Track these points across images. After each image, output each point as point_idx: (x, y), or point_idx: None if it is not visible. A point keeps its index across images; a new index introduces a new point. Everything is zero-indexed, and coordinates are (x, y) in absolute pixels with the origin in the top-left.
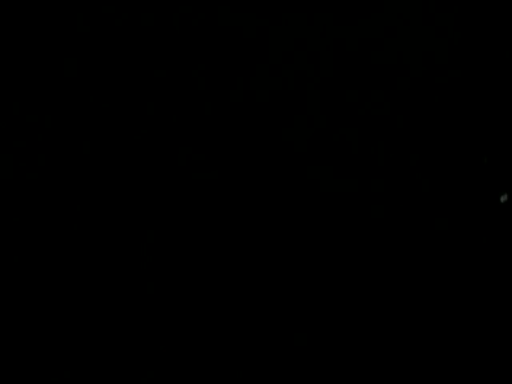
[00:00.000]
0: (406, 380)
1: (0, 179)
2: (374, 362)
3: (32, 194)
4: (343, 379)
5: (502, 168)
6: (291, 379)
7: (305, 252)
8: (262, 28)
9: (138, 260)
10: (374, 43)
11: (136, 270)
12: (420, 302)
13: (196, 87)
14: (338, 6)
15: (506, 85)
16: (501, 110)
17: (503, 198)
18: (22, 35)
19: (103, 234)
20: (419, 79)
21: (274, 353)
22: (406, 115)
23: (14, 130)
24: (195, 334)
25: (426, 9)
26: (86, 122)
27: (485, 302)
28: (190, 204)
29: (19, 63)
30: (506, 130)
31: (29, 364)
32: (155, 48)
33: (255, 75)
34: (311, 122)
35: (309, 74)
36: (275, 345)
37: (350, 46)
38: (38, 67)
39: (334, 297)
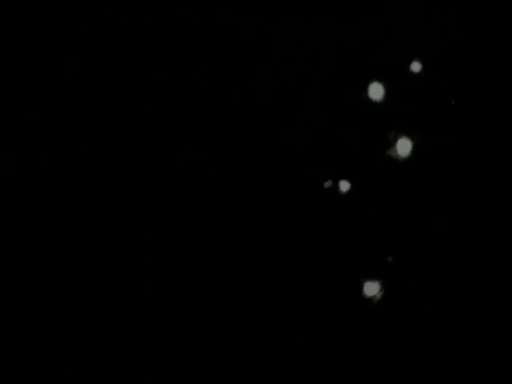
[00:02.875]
0: (405, 380)
1: (0, 179)
2: (374, 362)
3: (32, 194)
4: (343, 379)
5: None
6: (291, 379)
7: (304, 252)
8: (262, 28)
9: (138, 259)
10: (373, 43)
11: (136, 270)
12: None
13: (196, 87)
14: (338, 6)
15: (505, 84)
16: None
17: (327, 184)
18: (22, 35)
19: (103, 233)
20: (419, 79)
21: (274, 353)
22: (406, 115)
23: (13, 130)
24: (195, 333)
25: (426, 9)
26: (86, 122)
27: None
28: (190, 204)
29: (19, 63)
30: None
31: (29, 364)
32: (155, 48)
33: (255, 75)
34: (311, 122)
35: (309, 74)
36: (275, 345)
37: (350, 45)
38: (38, 67)
39: (334, 296)
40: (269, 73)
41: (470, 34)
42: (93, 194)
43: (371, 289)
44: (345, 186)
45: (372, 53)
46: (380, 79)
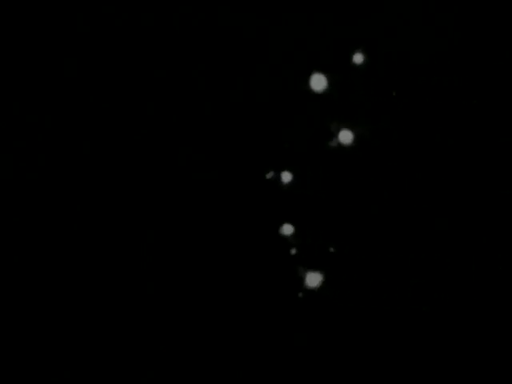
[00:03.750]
0: (406, 380)
1: (0, 179)
2: (374, 362)
3: (32, 194)
4: (343, 379)
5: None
6: (291, 379)
7: (305, 252)
8: (262, 28)
9: (137, 260)
10: (374, 43)
11: (136, 270)
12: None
13: (196, 87)
14: (338, 6)
15: (505, 85)
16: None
17: (269, 175)
18: (22, 35)
19: (103, 234)
20: (419, 79)
21: (274, 353)
22: (406, 115)
23: (14, 130)
24: (195, 333)
25: (426, 9)
26: (86, 122)
27: None
28: (189, 204)
29: (19, 63)
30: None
31: (29, 364)
32: (155, 48)
33: (255, 75)
34: (311, 122)
35: (309, 73)
36: (275, 345)
37: (350, 45)
38: (38, 67)
39: (334, 296)
40: (269, 73)
41: (470, 34)
42: (93, 194)
43: (313, 280)
44: (287, 176)
45: (372, 53)
46: (380, 78)
